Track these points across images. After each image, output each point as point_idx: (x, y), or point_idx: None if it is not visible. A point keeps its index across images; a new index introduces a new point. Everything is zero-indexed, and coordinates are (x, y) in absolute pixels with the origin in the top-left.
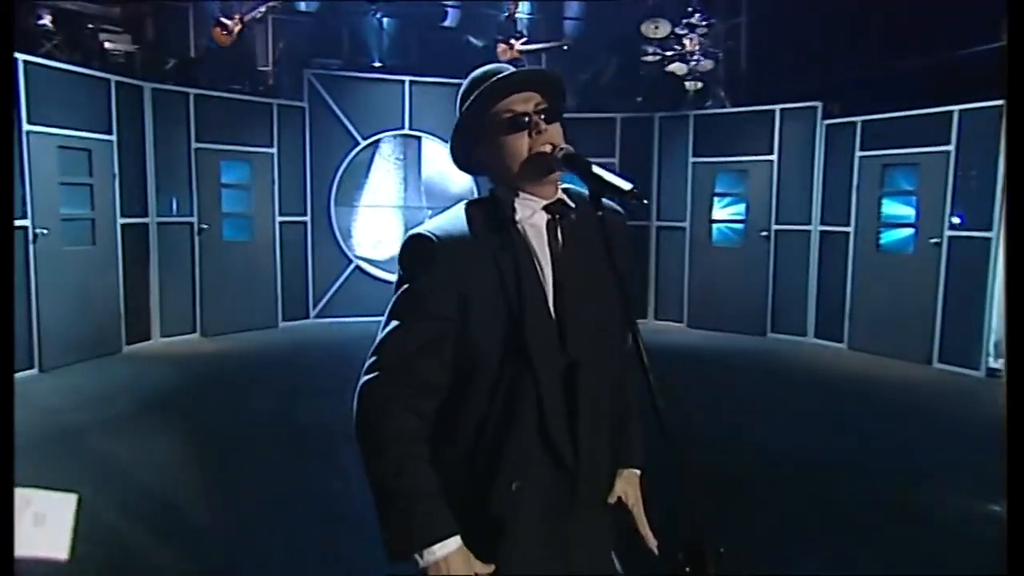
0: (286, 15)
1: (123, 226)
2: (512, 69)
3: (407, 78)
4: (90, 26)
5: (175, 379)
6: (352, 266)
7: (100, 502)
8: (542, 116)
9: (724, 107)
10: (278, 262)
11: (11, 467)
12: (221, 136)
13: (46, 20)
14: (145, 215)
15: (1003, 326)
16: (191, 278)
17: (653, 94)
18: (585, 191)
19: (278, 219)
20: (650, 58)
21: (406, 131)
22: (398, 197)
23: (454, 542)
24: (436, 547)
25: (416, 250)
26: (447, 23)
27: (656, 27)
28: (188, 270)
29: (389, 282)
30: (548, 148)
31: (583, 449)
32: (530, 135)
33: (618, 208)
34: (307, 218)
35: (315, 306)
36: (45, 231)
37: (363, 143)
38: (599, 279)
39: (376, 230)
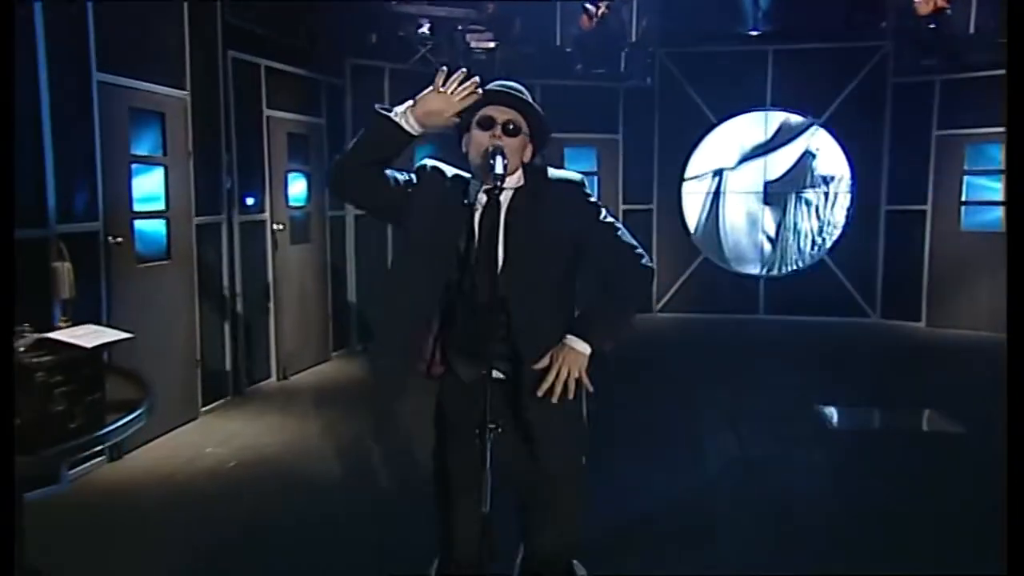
0: None
1: None
2: (512, 85)
3: (771, 47)
4: (459, 28)
5: None
6: (700, 257)
7: None
8: (509, 128)
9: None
10: None
11: (11, 467)
12: (568, 124)
13: (425, 28)
14: None
15: None
16: None
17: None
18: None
19: (621, 207)
20: None
21: (768, 108)
22: (754, 182)
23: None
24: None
25: (419, 174)
26: None
27: None
28: None
29: (743, 275)
30: (490, 149)
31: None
32: (490, 135)
33: (570, 178)
34: (653, 206)
35: (659, 300)
36: None
37: (719, 124)
38: (542, 233)
39: (731, 220)
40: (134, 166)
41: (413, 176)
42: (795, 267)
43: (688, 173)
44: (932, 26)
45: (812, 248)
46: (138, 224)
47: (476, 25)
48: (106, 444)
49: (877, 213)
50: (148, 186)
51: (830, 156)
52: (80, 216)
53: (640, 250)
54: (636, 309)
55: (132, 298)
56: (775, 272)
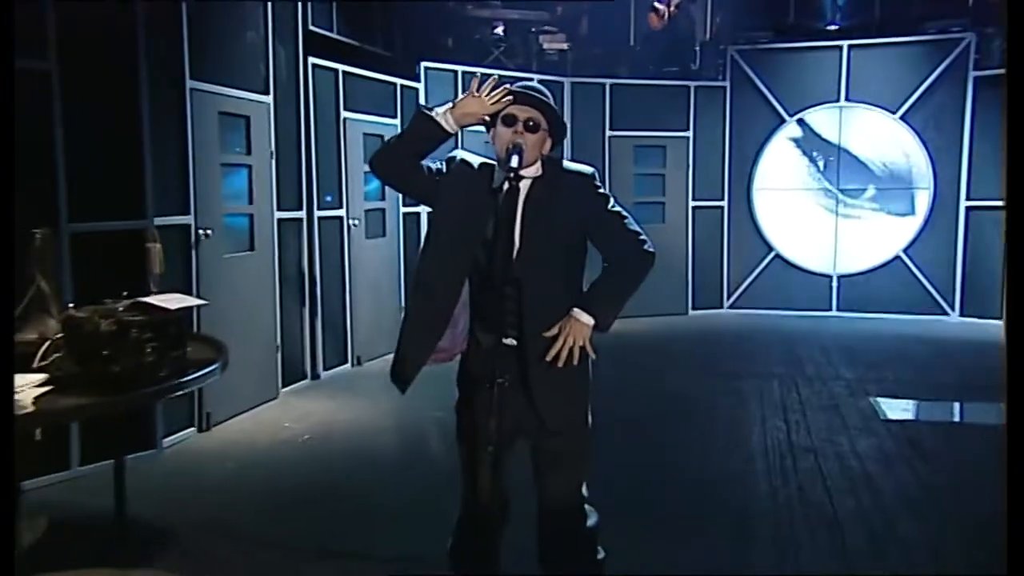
0: None
1: None
2: (534, 86)
3: (845, 43)
4: (532, 30)
5: None
6: (772, 255)
7: None
8: (529, 125)
9: None
10: (690, 249)
11: (11, 467)
12: (637, 123)
13: (499, 30)
14: None
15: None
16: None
17: None
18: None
19: (691, 204)
20: None
21: (842, 103)
22: (823, 178)
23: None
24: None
25: (448, 165)
26: None
27: None
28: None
29: (815, 273)
30: (511, 145)
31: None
32: (513, 131)
33: (583, 171)
34: (724, 203)
35: (730, 295)
36: None
37: (790, 119)
38: (554, 220)
39: (800, 215)
40: (222, 165)
41: (443, 166)
42: (870, 266)
43: (759, 170)
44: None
45: (888, 245)
46: (225, 218)
47: (549, 27)
48: (186, 391)
49: (956, 209)
50: (234, 183)
51: (908, 151)
52: (174, 210)
53: (643, 236)
54: (636, 288)
55: (219, 286)
56: (848, 270)
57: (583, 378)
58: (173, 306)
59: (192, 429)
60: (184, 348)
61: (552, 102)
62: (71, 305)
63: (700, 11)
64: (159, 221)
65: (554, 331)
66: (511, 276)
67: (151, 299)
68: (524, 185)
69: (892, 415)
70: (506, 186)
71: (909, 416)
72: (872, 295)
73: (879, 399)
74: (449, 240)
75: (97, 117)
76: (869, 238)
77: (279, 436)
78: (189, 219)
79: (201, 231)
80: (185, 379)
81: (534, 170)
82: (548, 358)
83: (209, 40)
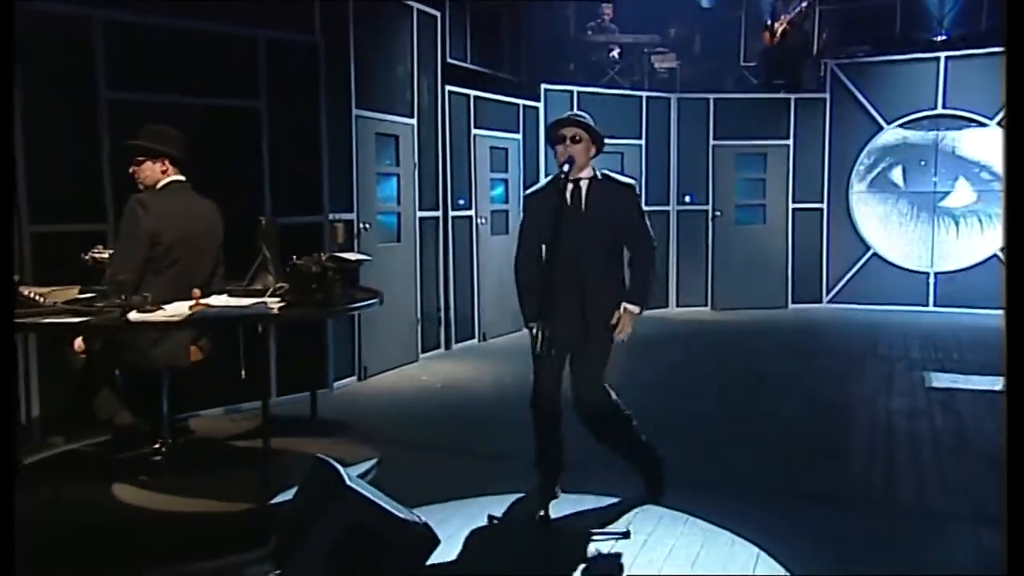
0: (834, 4)
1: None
2: (576, 112)
3: (943, 54)
4: (645, 51)
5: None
6: (869, 253)
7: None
8: (575, 139)
9: None
10: (790, 247)
11: (12, 467)
12: (740, 133)
13: (616, 52)
14: (667, 203)
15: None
16: (704, 258)
17: None
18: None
19: (791, 206)
20: None
21: (938, 111)
22: (926, 182)
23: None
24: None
25: (525, 200)
26: None
27: None
28: (702, 251)
29: (910, 271)
30: (565, 156)
31: (588, 294)
32: (564, 146)
33: (628, 183)
34: (823, 205)
35: (829, 291)
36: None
37: (888, 127)
38: (601, 217)
39: (900, 218)
40: (377, 174)
41: (524, 205)
42: (966, 264)
43: (857, 174)
44: None
45: (985, 244)
46: (379, 216)
47: (661, 47)
48: (359, 310)
49: None
50: (386, 189)
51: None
52: (343, 208)
53: (652, 236)
54: (653, 272)
55: (373, 268)
56: (945, 268)
57: (610, 338)
58: (352, 259)
59: (353, 378)
60: (358, 286)
61: (590, 121)
62: (294, 257)
63: (811, 26)
64: (332, 216)
65: (615, 319)
66: (577, 247)
67: (337, 255)
68: (583, 185)
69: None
70: (570, 187)
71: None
72: (969, 291)
73: (936, 373)
74: (536, 235)
75: (289, 138)
76: (966, 238)
77: (418, 385)
78: (353, 215)
79: (362, 225)
80: (357, 305)
81: (588, 172)
82: (614, 335)
83: (369, 75)
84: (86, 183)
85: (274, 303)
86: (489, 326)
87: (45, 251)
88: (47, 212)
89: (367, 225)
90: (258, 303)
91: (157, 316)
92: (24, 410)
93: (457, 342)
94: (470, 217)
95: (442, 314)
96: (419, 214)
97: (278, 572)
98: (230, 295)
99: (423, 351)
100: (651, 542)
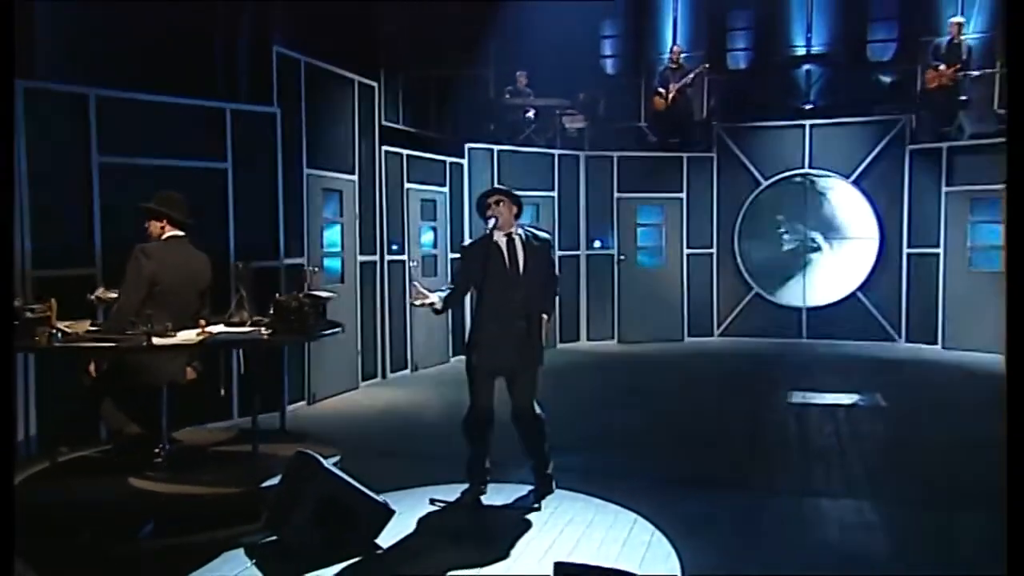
0: (719, 75)
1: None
2: (499, 188)
3: (808, 123)
4: (557, 112)
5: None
6: (752, 292)
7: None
8: (498, 203)
9: None
10: (685, 286)
11: (11, 467)
12: (640, 186)
13: (531, 114)
14: (578, 248)
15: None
16: (611, 296)
17: None
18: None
19: (686, 251)
20: None
21: (805, 171)
22: (797, 231)
23: None
24: None
25: (462, 249)
26: (875, 58)
27: None
28: (609, 290)
29: (787, 307)
30: (492, 217)
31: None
32: (491, 210)
33: (543, 237)
34: (713, 250)
35: (719, 326)
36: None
37: (765, 183)
38: (531, 267)
39: (776, 261)
40: (324, 224)
41: (462, 255)
42: (832, 300)
43: (740, 223)
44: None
45: (845, 284)
46: (326, 260)
47: (570, 110)
48: (328, 336)
49: (900, 255)
50: (332, 236)
51: (860, 208)
52: (296, 253)
53: (556, 273)
54: (554, 294)
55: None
56: (814, 304)
57: (541, 347)
58: (323, 296)
59: (303, 402)
60: (326, 318)
61: (509, 190)
62: (278, 295)
63: (697, 93)
64: (287, 261)
65: (543, 324)
66: (522, 286)
67: (312, 292)
68: (515, 239)
69: (796, 400)
70: (502, 241)
71: (804, 402)
72: (833, 325)
73: (793, 391)
74: (473, 277)
75: (251, 194)
76: (830, 278)
77: (358, 408)
78: (304, 259)
79: (311, 268)
80: (327, 332)
81: (512, 229)
82: (542, 337)
83: (318, 138)
84: (79, 234)
85: (265, 331)
86: (420, 358)
87: (44, 292)
88: (46, 259)
89: (315, 268)
90: (253, 331)
91: (175, 340)
92: (23, 427)
93: (392, 371)
94: (403, 261)
95: (379, 347)
96: (359, 258)
97: (273, 537)
98: (225, 325)
99: (363, 379)
100: (557, 513)
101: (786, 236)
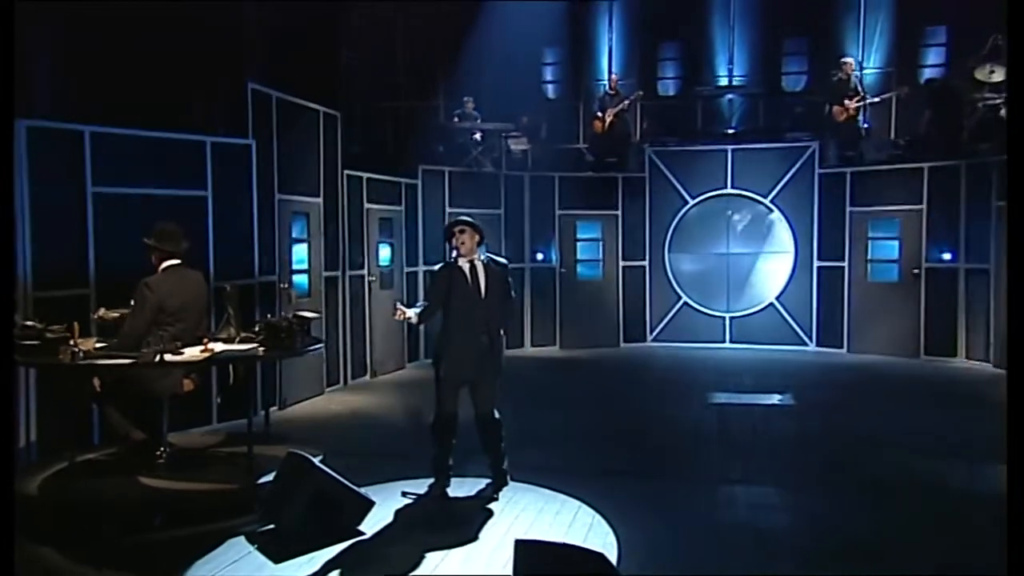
0: (651, 101)
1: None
2: (464, 219)
3: (730, 147)
4: (502, 135)
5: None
6: (681, 302)
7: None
8: (462, 232)
9: None
10: (621, 296)
11: (11, 468)
12: (579, 204)
13: (477, 136)
14: (522, 261)
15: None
16: (553, 305)
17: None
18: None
19: (621, 263)
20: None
21: (728, 191)
22: (721, 245)
23: None
24: None
25: (432, 273)
26: (789, 88)
27: (992, 72)
28: (551, 300)
29: (712, 315)
30: (457, 244)
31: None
32: (456, 237)
33: (501, 262)
34: (645, 262)
35: (652, 332)
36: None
37: (692, 202)
38: (491, 289)
39: (703, 273)
40: (293, 243)
41: (432, 278)
42: (752, 309)
43: (670, 238)
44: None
45: (765, 294)
46: (295, 277)
47: (515, 133)
48: (313, 351)
49: (811, 267)
50: (299, 254)
51: (777, 225)
52: (268, 271)
53: (512, 294)
54: (509, 311)
55: None
56: (737, 312)
57: (501, 357)
58: (309, 315)
59: (275, 407)
60: (311, 334)
61: (473, 221)
62: (268, 315)
63: (632, 117)
64: (261, 279)
65: (503, 339)
66: (484, 306)
67: (297, 312)
68: (477, 264)
69: (717, 401)
70: (465, 266)
71: (725, 402)
72: (755, 331)
73: (716, 392)
74: (443, 297)
75: (228, 218)
76: (751, 288)
77: (325, 412)
78: (275, 277)
79: (283, 285)
80: (312, 348)
81: (476, 255)
82: (502, 351)
83: (288, 165)
84: (74, 258)
85: (260, 348)
86: (378, 365)
87: (43, 311)
88: (45, 280)
89: (285, 284)
90: (251, 348)
91: (184, 357)
92: (24, 434)
93: (353, 378)
94: (363, 276)
95: (341, 356)
96: (324, 274)
97: (270, 526)
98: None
99: (327, 385)
100: (512, 502)
101: (711, 250)
